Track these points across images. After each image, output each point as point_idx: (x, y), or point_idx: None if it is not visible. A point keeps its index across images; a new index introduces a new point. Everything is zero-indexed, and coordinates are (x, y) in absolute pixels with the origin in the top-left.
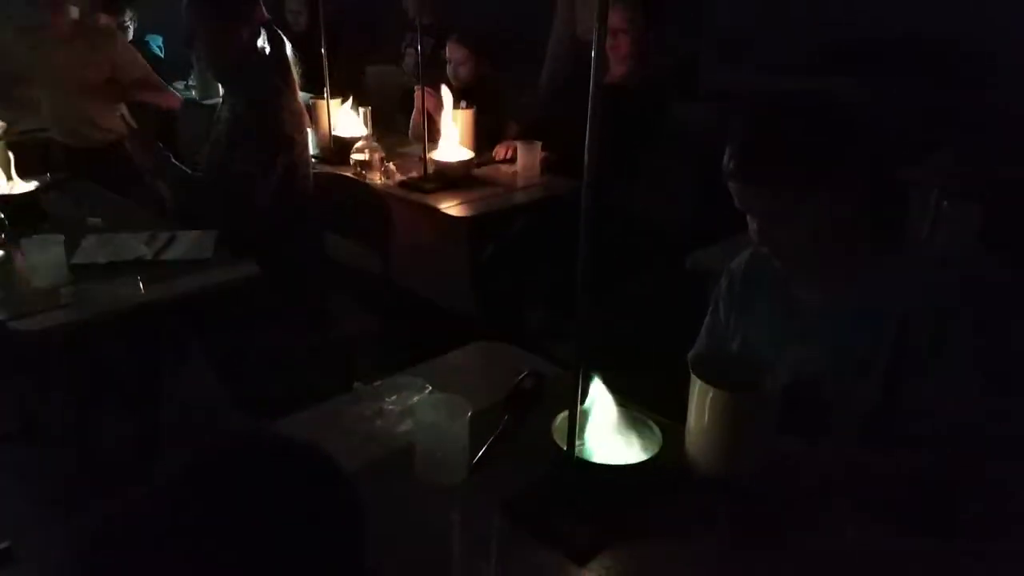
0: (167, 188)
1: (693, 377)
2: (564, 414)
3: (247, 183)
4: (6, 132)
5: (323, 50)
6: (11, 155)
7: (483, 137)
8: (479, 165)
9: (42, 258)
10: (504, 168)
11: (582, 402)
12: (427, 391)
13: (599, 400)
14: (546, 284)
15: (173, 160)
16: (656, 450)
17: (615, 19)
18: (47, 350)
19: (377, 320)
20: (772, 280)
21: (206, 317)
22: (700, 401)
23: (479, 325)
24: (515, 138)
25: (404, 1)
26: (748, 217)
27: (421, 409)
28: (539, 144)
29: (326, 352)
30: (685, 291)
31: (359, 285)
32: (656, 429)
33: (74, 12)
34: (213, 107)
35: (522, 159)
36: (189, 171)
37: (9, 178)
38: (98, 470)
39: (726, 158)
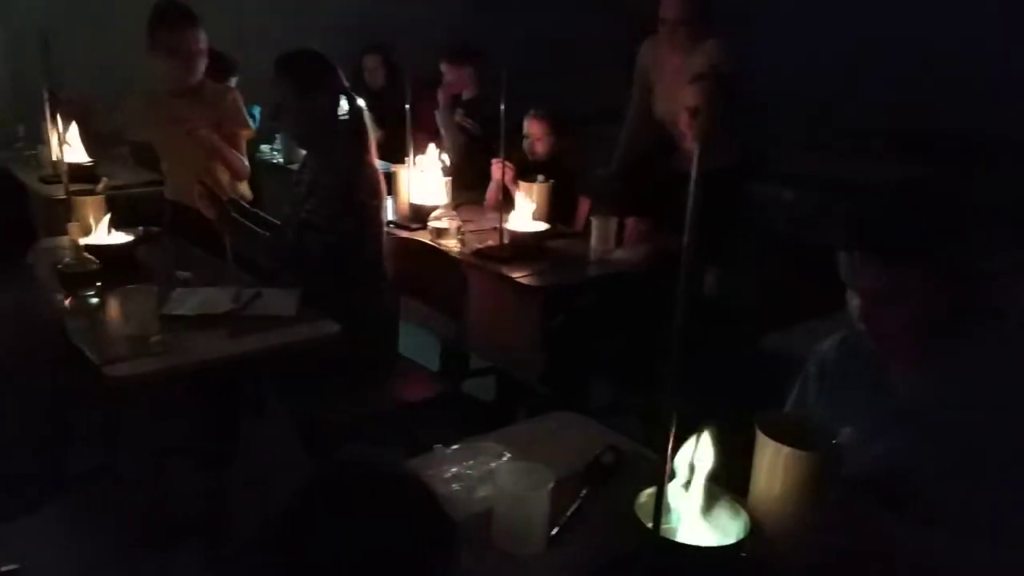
0: (230, 243)
1: (762, 438)
2: (649, 491)
3: (315, 242)
4: (105, 186)
5: (407, 122)
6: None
7: (557, 210)
8: (554, 237)
9: (136, 307)
10: (578, 241)
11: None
12: (505, 457)
13: (685, 479)
14: (613, 358)
15: (237, 216)
16: (743, 533)
17: (692, 97)
18: (133, 396)
19: (447, 384)
20: (866, 364)
21: (284, 373)
22: (771, 463)
23: (546, 395)
24: (588, 213)
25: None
26: (848, 294)
27: (502, 475)
28: (615, 219)
29: (397, 413)
30: (760, 373)
31: (432, 349)
32: (743, 511)
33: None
34: (293, 171)
35: (596, 233)
36: (256, 228)
37: (108, 232)
38: (166, 517)
39: (848, 229)
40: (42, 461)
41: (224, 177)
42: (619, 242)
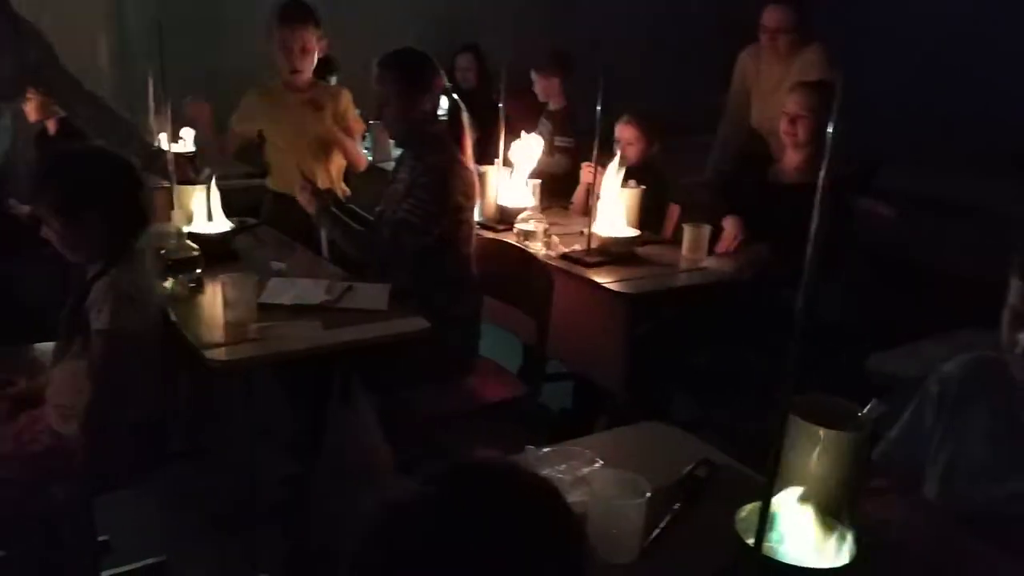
0: (326, 236)
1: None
2: (750, 506)
3: (409, 241)
4: (207, 176)
5: (502, 123)
6: (216, 197)
7: (647, 216)
8: (643, 244)
9: (237, 295)
10: (668, 249)
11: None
12: (598, 464)
13: (789, 496)
14: (698, 369)
15: (335, 211)
16: (850, 556)
17: (793, 105)
18: (230, 380)
19: (526, 386)
20: (998, 391)
21: (369, 366)
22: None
23: (627, 404)
24: (679, 220)
25: (536, 85)
26: (1011, 320)
27: (597, 482)
28: (708, 228)
29: (476, 413)
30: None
31: (511, 351)
32: (849, 533)
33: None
34: (383, 170)
35: (688, 241)
36: (351, 223)
37: (210, 219)
38: (252, 501)
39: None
40: (141, 438)
41: (328, 172)
42: (710, 251)
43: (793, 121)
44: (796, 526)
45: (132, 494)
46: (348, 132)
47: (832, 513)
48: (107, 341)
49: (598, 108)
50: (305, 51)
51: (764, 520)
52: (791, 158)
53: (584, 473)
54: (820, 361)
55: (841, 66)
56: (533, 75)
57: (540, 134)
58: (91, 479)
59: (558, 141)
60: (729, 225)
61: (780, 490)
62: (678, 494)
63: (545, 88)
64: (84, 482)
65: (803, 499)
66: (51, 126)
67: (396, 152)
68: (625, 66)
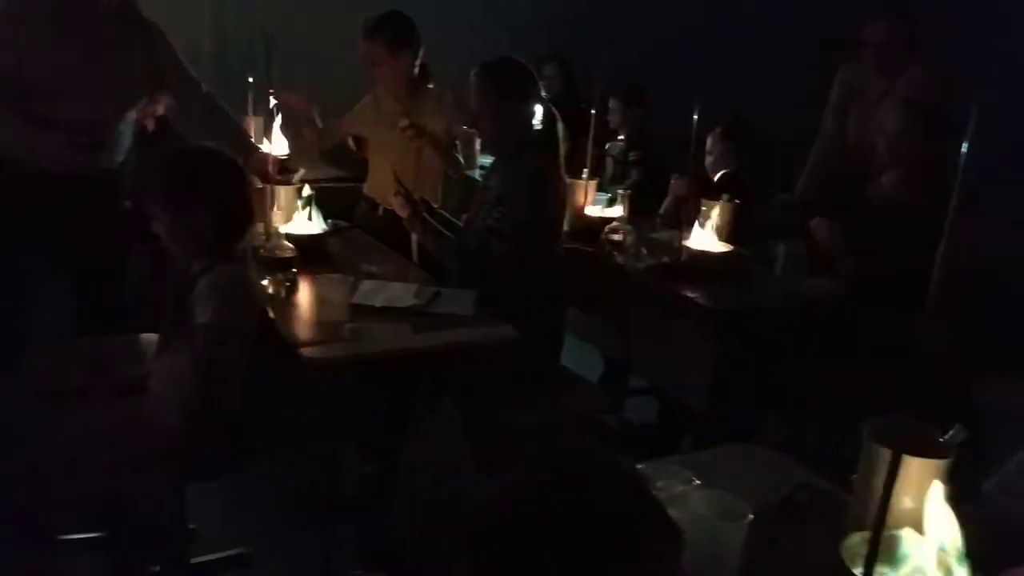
0: (416, 241)
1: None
2: (858, 536)
3: (498, 249)
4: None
5: (592, 133)
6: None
7: (738, 231)
8: (734, 259)
9: (332, 295)
10: (759, 265)
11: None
12: (694, 483)
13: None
14: (787, 390)
15: (426, 216)
16: None
17: (895, 123)
18: (320, 377)
19: (608, 400)
20: None
21: (452, 371)
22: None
23: (713, 423)
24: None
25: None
26: None
27: (695, 502)
28: (803, 246)
29: (557, 425)
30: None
31: (593, 363)
32: (966, 569)
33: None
34: (470, 177)
35: (782, 258)
36: (443, 230)
37: (309, 218)
38: (334, 498)
39: None
40: (234, 430)
41: (423, 179)
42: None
43: (892, 140)
44: (906, 557)
45: (219, 484)
46: (448, 139)
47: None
48: (209, 335)
49: (694, 118)
50: (372, 64)
51: (874, 551)
52: (889, 178)
53: (680, 492)
54: (920, 386)
55: (949, 87)
56: (612, 103)
57: (609, 152)
58: (185, 467)
59: (631, 156)
60: (819, 222)
61: (890, 519)
62: (777, 518)
63: (624, 119)
64: (178, 470)
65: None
66: (150, 124)
67: (484, 160)
68: (717, 79)
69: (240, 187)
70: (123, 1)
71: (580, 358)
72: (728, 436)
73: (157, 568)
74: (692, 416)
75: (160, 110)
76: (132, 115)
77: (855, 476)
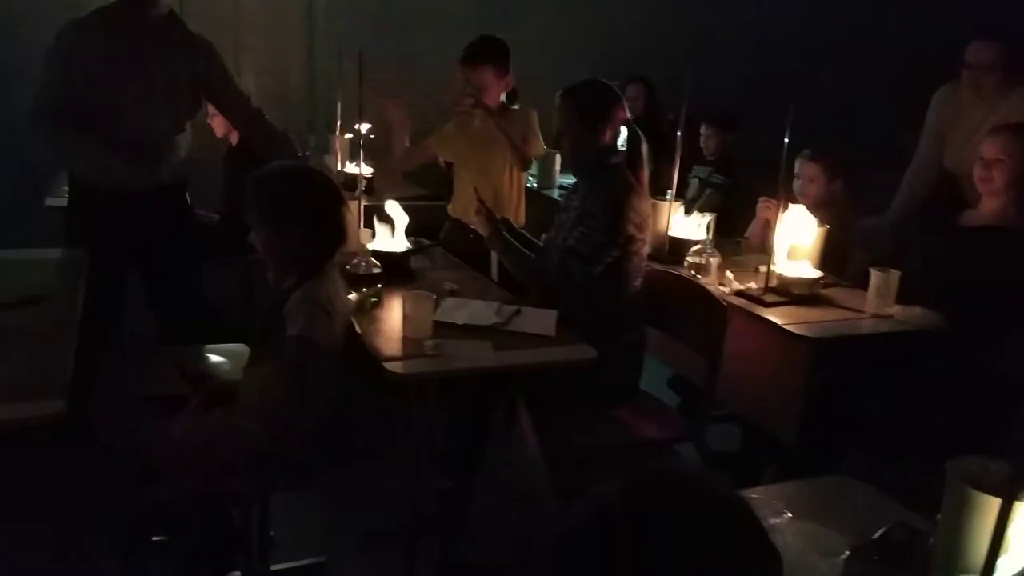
0: (495, 260)
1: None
2: None
3: (578, 269)
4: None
5: (677, 155)
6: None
7: (827, 257)
8: (825, 286)
9: (416, 311)
10: (850, 292)
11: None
12: (787, 516)
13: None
14: (876, 423)
15: (507, 236)
16: None
17: (991, 149)
18: (403, 392)
19: (688, 425)
20: None
21: (531, 390)
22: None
23: (799, 455)
24: (862, 263)
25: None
26: None
27: (788, 536)
28: (896, 274)
29: (635, 447)
30: None
31: (685, 389)
32: None
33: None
34: (548, 196)
35: (875, 286)
36: (523, 249)
37: (393, 235)
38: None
39: None
40: (318, 441)
41: (505, 199)
42: (899, 299)
43: (989, 166)
44: None
45: (297, 493)
46: (526, 147)
47: None
48: (300, 347)
49: (785, 141)
50: (479, 89)
51: None
52: (986, 204)
53: (771, 524)
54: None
55: None
56: (703, 129)
57: (695, 174)
58: (270, 475)
59: (713, 177)
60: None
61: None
62: (872, 556)
63: (711, 142)
64: (263, 478)
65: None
66: (232, 138)
67: (561, 180)
68: (807, 100)
69: (335, 206)
70: (167, 16)
71: (659, 381)
72: (814, 468)
73: (238, 573)
74: (775, 446)
75: (224, 130)
76: (188, 130)
77: (939, 516)
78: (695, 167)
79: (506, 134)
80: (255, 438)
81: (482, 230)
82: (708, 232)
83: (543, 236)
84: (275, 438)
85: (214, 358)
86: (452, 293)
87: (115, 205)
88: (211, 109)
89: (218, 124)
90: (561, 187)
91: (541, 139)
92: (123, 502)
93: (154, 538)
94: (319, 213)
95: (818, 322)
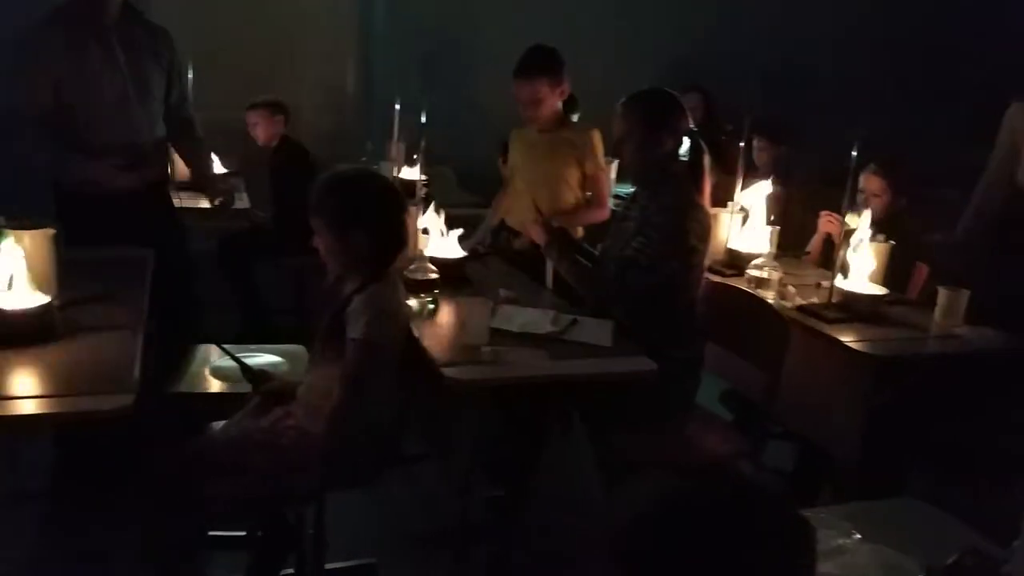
0: (551, 269)
1: None
2: None
3: (637, 280)
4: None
5: (741, 166)
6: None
7: (892, 274)
8: (890, 303)
9: (474, 318)
10: (916, 311)
11: None
12: (855, 537)
13: None
14: (941, 446)
15: (564, 246)
16: None
17: None
18: (459, 397)
19: (744, 441)
20: None
21: (586, 400)
22: None
23: (859, 473)
24: (925, 281)
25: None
26: None
27: (860, 558)
28: (966, 293)
29: (691, 461)
30: None
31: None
32: None
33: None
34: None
35: (943, 305)
36: (580, 259)
37: (448, 241)
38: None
39: None
40: (376, 443)
41: (562, 209)
42: (967, 318)
43: None
44: None
45: (348, 494)
46: (594, 175)
47: None
48: (361, 349)
49: (853, 155)
50: (534, 102)
51: None
52: None
53: (839, 544)
54: None
55: None
56: (756, 142)
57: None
58: (327, 476)
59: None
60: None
61: None
62: None
63: (766, 157)
64: (321, 478)
65: None
66: (274, 140)
67: (616, 189)
68: (874, 114)
69: (396, 212)
70: (123, 7)
71: (712, 396)
72: (875, 488)
73: (292, 570)
74: (831, 465)
75: (282, 127)
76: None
77: (1017, 543)
78: (755, 178)
79: (562, 146)
80: (314, 438)
81: (539, 239)
82: (772, 244)
83: (599, 246)
84: (334, 439)
85: (271, 358)
86: (508, 301)
87: (102, 208)
88: (251, 119)
89: (261, 132)
90: (616, 197)
91: (600, 158)
92: (183, 495)
93: (211, 532)
94: (382, 217)
95: (882, 340)
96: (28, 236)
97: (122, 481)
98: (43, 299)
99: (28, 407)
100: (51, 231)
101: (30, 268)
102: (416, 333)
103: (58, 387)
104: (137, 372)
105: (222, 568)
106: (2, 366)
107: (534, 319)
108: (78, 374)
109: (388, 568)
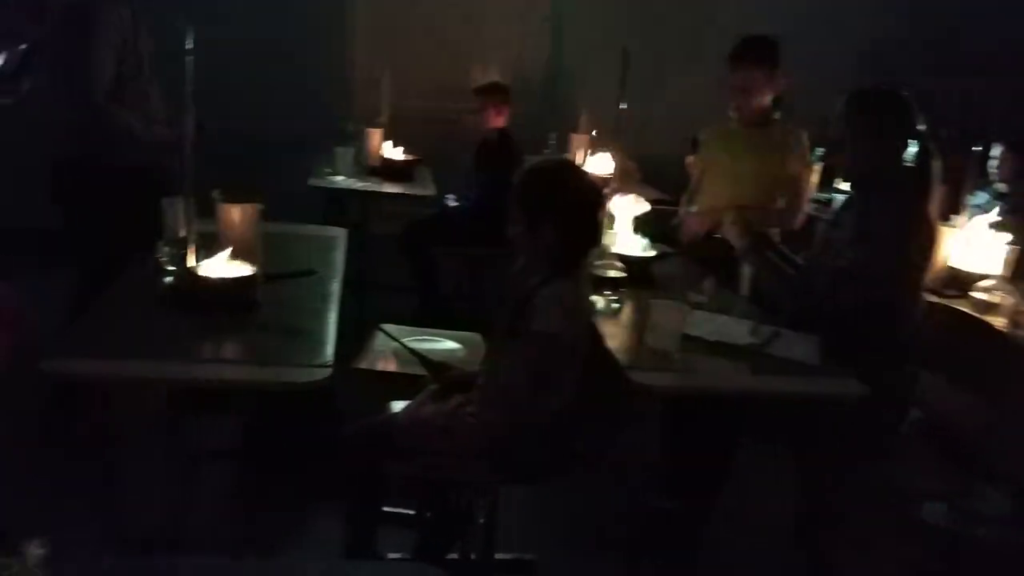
0: (749, 275)
1: None
2: None
3: (851, 294)
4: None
5: (969, 174)
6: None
7: None
8: None
9: (665, 322)
10: None
11: None
12: None
13: None
14: None
15: (765, 251)
16: None
17: None
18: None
19: (956, 481)
20: None
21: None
22: None
23: None
24: None
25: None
26: None
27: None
28: None
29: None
30: None
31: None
32: None
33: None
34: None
35: None
36: (784, 266)
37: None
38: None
39: None
40: (551, 438)
41: (764, 212)
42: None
43: None
44: None
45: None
46: (796, 176)
47: None
48: (544, 343)
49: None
50: (745, 90)
51: None
52: None
53: None
54: None
55: None
56: (998, 151)
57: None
58: (500, 467)
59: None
60: None
61: None
62: None
63: (1004, 166)
64: (494, 468)
65: None
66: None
67: (814, 193)
68: None
69: (591, 209)
70: None
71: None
72: None
73: (455, 554)
74: None
75: (501, 121)
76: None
77: None
78: (977, 191)
79: (767, 144)
80: (492, 428)
81: (736, 242)
82: (1007, 267)
83: (802, 254)
84: (511, 430)
85: (450, 344)
86: (698, 306)
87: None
88: (484, 104)
89: (492, 117)
90: (815, 201)
91: (808, 160)
92: (364, 470)
93: (386, 509)
94: (574, 212)
95: None
96: (238, 209)
97: (311, 449)
98: (248, 270)
99: (233, 372)
100: (259, 205)
101: (238, 240)
102: (602, 332)
103: (260, 355)
104: (331, 348)
105: (390, 543)
106: (211, 331)
107: (729, 328)
108: (278, 344)
109: (547, 568)
